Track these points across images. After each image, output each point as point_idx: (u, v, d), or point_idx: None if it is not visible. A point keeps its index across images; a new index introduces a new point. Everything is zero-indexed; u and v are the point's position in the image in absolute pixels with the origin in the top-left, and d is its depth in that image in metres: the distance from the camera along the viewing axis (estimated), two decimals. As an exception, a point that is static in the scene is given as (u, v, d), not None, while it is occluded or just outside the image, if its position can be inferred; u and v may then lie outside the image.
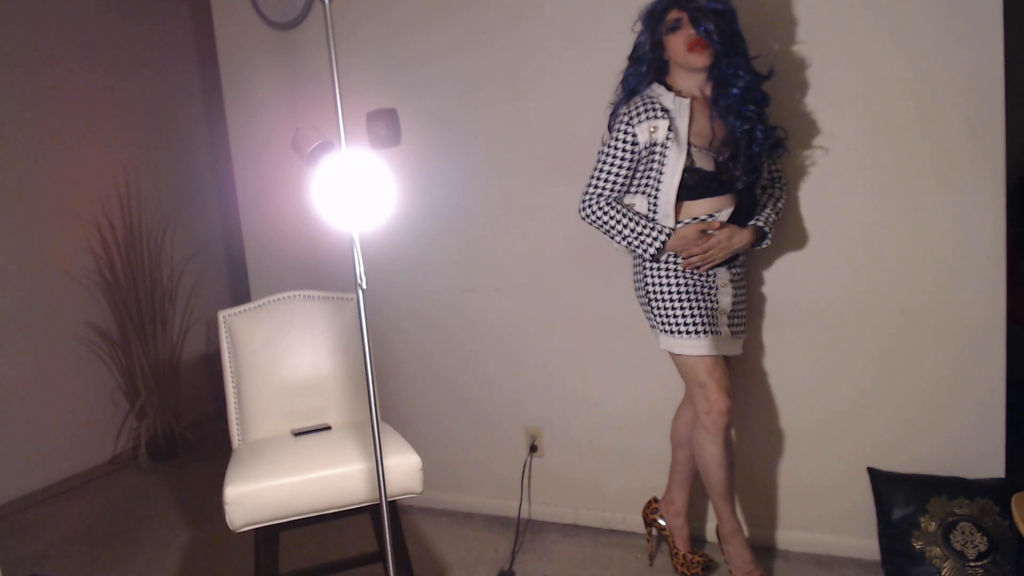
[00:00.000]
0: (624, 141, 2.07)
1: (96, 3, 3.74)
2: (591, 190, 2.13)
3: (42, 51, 3.50)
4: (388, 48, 2.77)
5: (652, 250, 2.08)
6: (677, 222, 2.08)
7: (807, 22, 2.21)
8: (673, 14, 2.02)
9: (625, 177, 2.10)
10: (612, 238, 2.13)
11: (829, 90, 2.21)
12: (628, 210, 2.11)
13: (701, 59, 2.02)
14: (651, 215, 2.10)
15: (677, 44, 2.04)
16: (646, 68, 2.10)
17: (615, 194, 2.12)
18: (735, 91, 2.02)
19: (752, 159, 2.05)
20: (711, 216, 2.07)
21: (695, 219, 2.07)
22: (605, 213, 2.12)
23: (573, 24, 2.48)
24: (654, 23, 2.06)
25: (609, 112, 2.20)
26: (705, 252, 2.06)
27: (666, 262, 2.11)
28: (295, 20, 2.91)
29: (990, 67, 2.04)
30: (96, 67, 3.72)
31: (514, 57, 2.59)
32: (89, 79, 3.69)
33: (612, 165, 2.10)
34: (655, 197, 2.08)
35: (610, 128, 2.16)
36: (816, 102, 2.23)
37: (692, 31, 2.00)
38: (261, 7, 2.96)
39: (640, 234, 2.08)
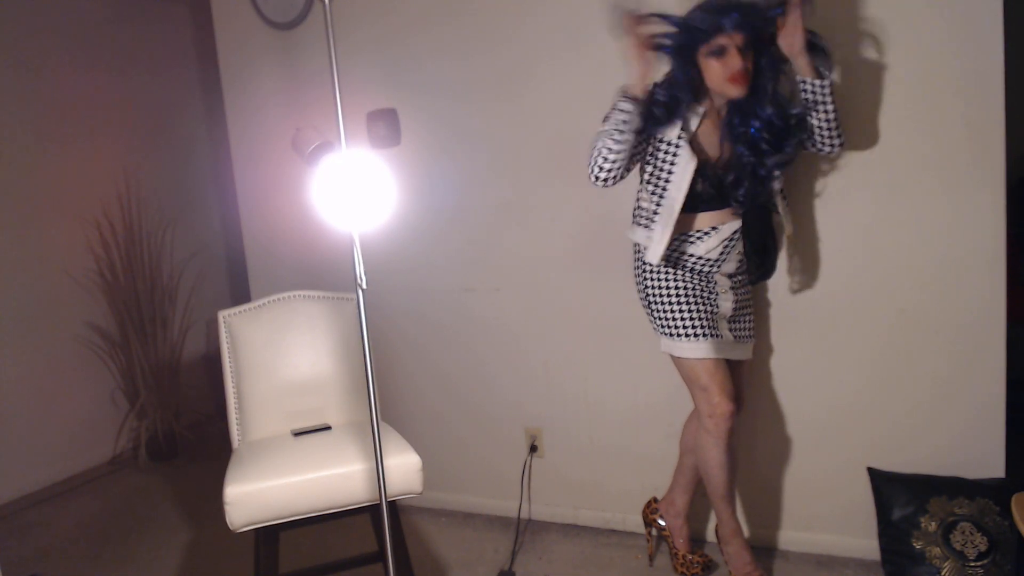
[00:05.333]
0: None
1: (96, 3, 3.74)
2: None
3: (42, 51, 3.50)
4: (388, 48, 2.77)
5: (628, 107, 1.89)
6: (681, 234, 2.05)
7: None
8: (721, 40, 1.84)
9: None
10: (611, 148, 1.93)
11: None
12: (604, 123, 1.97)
13: (739, 91, 1.88)
14: (654, 209, 2.05)
15: (715, 71, 1.88)
16: (684, 101, 1.92)
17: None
18: (756, 122, 1.92)
19: (759, 182, 1.99)
20: (714, 228, 2.05)
21: (698, 231, 2.06)
22: (594, 140, 1.98)
23: (573, 24, 2.48)
24: (690, 52, 1.88)
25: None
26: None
27: (665, 268, 2.10)
28: (295, 20, 2.91)
29: (990, 67, 2.03)
30: (96, 67, 3.72)
31: (514, 57, 2.59)
32: (89, 79, 3.69)
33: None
34: (660, 196, 2.02)
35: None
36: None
37: (740, 64, 1.84)
38: (261, 7, 2.96)
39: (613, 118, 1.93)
